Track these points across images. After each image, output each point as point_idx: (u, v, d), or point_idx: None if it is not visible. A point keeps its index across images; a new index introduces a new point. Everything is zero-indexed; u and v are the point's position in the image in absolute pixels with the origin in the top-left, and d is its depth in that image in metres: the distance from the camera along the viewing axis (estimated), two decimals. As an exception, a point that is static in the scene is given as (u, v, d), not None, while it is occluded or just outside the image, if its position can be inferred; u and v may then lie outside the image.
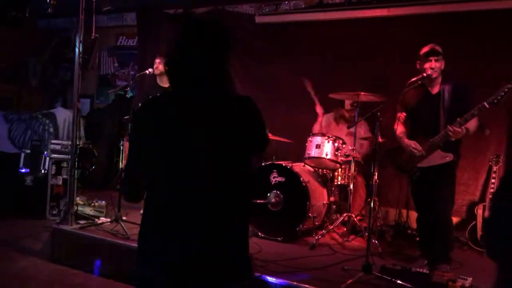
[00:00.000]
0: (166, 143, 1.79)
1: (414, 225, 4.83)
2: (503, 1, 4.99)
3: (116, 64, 8.44)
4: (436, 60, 3.79)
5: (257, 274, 3.52)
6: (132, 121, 1.98)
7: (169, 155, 1.79)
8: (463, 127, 3.59)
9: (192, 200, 1.76)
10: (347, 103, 5.34)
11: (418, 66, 3.91)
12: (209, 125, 1.79)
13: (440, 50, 3.84)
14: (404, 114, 4.01)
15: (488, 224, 1.22)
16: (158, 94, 2.00)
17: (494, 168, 4.84)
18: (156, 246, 1.78)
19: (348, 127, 4.66)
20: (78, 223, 4.76)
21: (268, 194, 4.72)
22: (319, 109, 5.49)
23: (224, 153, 1.81)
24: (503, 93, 3.40)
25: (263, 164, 4.95)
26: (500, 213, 1.18)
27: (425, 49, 3.87)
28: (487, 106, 3.46)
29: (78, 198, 5.08)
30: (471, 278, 3.39)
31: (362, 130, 5.28)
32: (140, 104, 1.89)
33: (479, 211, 4.79)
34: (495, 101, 3.43)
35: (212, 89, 1.85)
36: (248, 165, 1.96)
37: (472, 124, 3.69)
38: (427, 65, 3.80)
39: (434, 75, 3.82)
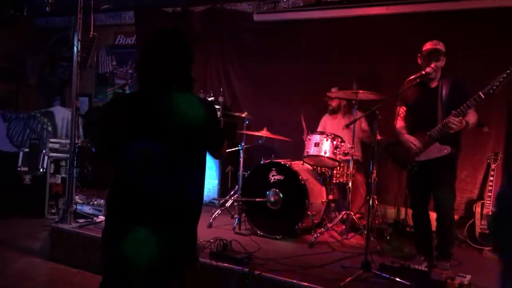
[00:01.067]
0: (135, 136, 2.02)
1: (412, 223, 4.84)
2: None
3: (114, 63, 8.42)
4: (436, 61, 3.80)
5: (256, 272, 3.53)
6: (108, 110, 2.21)
7: (134, 148, 2.01)
8: (461, 118, 3.58)
9: (153, 195, 2.01)
10: (334, 91, 5.32)
11: (419, 61, 3.91)
12: (173, 124, 2.03)
13: (442, 49, 3.82)
14: (404, 108, 4.01)
15: (498, 220, 1.18)
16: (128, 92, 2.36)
17: (493, 166, 4.85)
18: (119, 236, 1.99)
19: (347, 126, 4.66)
20: (77, 222, 4.74)
21: (267, 193, 4.73)
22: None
23: (185, 151, 2.07)
24: (498, 83, 3.40)
25: (262, 162, 4.96)
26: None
27: (427, 46, 3.85)
28: (483, 96, 3.45)
29: (77, 197, 5.07)
30: (469, 276, 3.40)
31: (363, 123, 5.30)
32: (114, 97, 2.21)
33: (477, 208, 4.80)
34: (491, 91, 3.43)
35: (176, 91, 2.09)
36: (204, 163, 2.24)
37: (471, 117, 3.69)
38: (428, 65, 3.80)
39: (433, 75, 3.83)
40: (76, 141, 4.83)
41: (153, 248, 1.95)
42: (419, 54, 3.92)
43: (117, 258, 1.99)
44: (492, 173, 4.83)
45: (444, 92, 3.78)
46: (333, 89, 5.27)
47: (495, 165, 4.84)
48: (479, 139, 5.11)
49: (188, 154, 2.08)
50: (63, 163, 5.62)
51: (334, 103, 5.43)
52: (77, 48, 4.76)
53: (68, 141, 5.12)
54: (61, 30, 8.57)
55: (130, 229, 1.96)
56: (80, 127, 6.66)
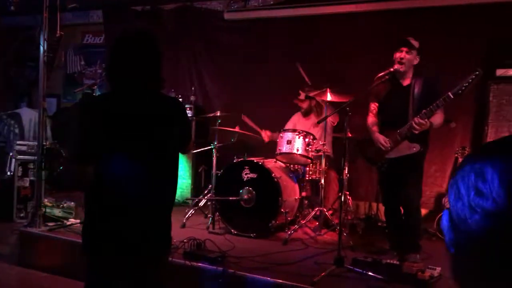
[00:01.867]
0: (109, 137, 2.10)
1: (384, 218, 4.92)
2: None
3: (82, 63, 8.25)
4: (407, 52, 3.83)
5: (231, 270, 3.53)
6: (84, 111, 2.25)
7: (110, 149, 2.10)
8: (426, 120, 3.65)
9: (131, 191, 2.11)
10: (302, 94, 5.37)
11: (393, 57, 3.93)
12: (145, 125, 2.14)
13: (414, 44, 3.86)
14: (376, 104, 4.06)
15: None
16: (99, 94, 2.41)
17: (460, 160, 4.97)
18: (105, 228, 2.13)
19: (318, 122, 4.69)
20: (47, 225, 4.64)
21: (241, 191, 4.72)
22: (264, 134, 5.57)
23: (158, 150, 2.16)
24: (467, 84, 3.48)
25: (235, 160, 4.95)
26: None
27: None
28: (452, 96, 3.53)
29: (46, 200, 4.95)
30: (439, 268, 3.48)
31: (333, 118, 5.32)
32: (87, 100, 2.19)
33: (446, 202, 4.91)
34: (460, 91, 3.51)
35: (147, 92, 2.18)
36: (177, 162, 2.36)
37: (437, 118, 3.76)
38: (397, 55, 3.84)
39: (402, 69, 3.85)
40: (44, 143, 4.72)
41: (133, 237, 2.13)
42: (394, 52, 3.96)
43: (105, 240, 2.13)
44: (460, 167, 4.94)
45: (416, 90, 3.84)
46: (300, 91, 5.32)
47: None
48: (447, 134, 5.23)
49: (161, 153, 2.18)
50: (31, 166, 5.48)
51: (304, 105, 5.45)
52: (44, 48, 4.66)
53: (36, 143, 5.00)
54: (27, 29, 8.35)
55: (112, 222, 2.12)
56: (48, 129, 6.51)
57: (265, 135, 5.54)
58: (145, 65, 2.17)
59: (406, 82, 3.94)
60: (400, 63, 3.84)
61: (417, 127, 3.65)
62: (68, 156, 2.67)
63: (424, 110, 3.64)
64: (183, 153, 2.60)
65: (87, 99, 2.40)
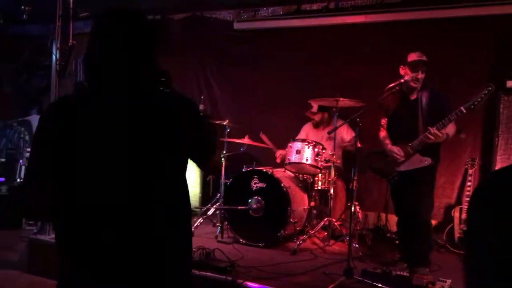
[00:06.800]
0: (77, 152, 1.56)
1: (394, 228, 4.90)
2: (480, 7, 5.12)
3: (93, 71, 8.29)
4: (422, 72, 3.86)
5: (239, 280, 3.52)
6: (39, 127, 1.63)
7: (80, 166, 1.56)
8: (443, 132, 3.67)
9: (109, 221, 1.57)
10: (314, 107, 5.40)
11: (401, 72, 3.96)
12: (128, 130, 1.59)
13: (426, 60, 3.88)
14: (386, 119, 4.08)
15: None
16: (70, 94, 1.79)
17: (470, 171, 4.94)
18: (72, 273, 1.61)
19: (329, 133, 4.70)
20: (56, 233, 4.65)
21: (249, 200, 4.72)
22: (278, 154, 5.56)
23: (148, 163, 1.60)
24: (479, 99, 3.50)
25: (243, 170, 4.96)
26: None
27: (413, 57, 3.91)
28: (464, 111, 3.55)
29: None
30: (450, 280, 3.45)
31: (345, 134, 5.33)
32: (49, 106, 1.67)
33: (455, 213, 4.88)
34: (472, 106, 3.53)
35: (132, 87, 1.63)
36: (180, 176, 1.74)
37: (451, 129, 3.78)
38: (414, 76, 3.84)
39: (416, 86, 3.89)
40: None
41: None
42: (401, 66, 3.98)
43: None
44: (470, 178, 4.91)
45: (423, 103, 3.86)
46: (312, 103, 5.34)
47: (472, 170, 4.93)
48: (457, 145, 5.20)
49: (154, 167, 1.62)
50: (41, 173, 5.50)
51: (317, 118, 5.47)
52: (56, 57, 4.71)
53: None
54: (37, 38, 8.42)
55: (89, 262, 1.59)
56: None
57: (279, 155, 5.54)
58: (132, 50, 1.63)
59: (413, 96, 3.96)
60: (417, 82, 3.87)
61: (431, 137, 3.66)
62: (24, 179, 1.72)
63: (437, 125, 3.65)
64: (200, 165, 1.97)
65: (57, 100, 1.72)
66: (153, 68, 1.68)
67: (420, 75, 3.86)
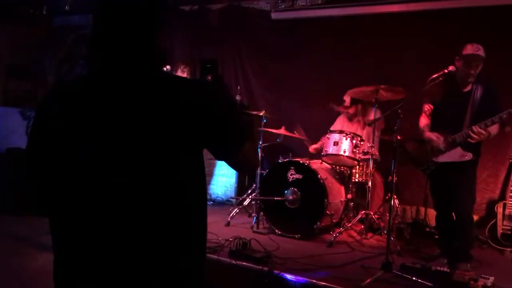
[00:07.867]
0: (80, 143, 1.39)
1: (432, 223, 4.80)
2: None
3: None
4: (477, 67, 3.71)
5: (275, 271, 3.52)
6: (36, 116, 1.46)
7: (83, 159, 1.39)
8: (487, 129, 3.55)
9: (109, 221, 1.40)
10: (347, 101, 5.31)
11: (457, 64, 3.78)
12: (134, 117, 1.40)
13: (483, 55, 3.69)
14: (431, 106, 3.95)
15: None
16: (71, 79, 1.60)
17: (515, 165, 4.77)
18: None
19: (369, 125, 4.62)
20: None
21: (286, 191, 4.71)
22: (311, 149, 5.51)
23: (158, 152, 1.40)
24: None
25: (280, 161, 4.94)
26: None
27: (468, 51, 3.71)
28: None
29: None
30: (493, 277, 3.35)
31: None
32: (47, 92, 1.50)
33: (499, 209, 4.73)
34: None
35: (138, 71, 1.45)
36: (196, 164, 1.51)
37: (494, 129, 3.65)
38: (471, 71, 3.71)
39: (471, 79, 3.75)
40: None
41: None
42: (456, 57, 3.80)
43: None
44: (514, 173, 4.75)
45: (476, 98, 3.73)
46: (345, 97, 5.26)
47: (517, 164, 4.77)
48: (501, 138, 5.00)
49: (166, 166, 1.41)
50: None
51: (351, 111, 5.38)
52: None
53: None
54: (79, 28, 8.62)
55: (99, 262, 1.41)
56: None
57: (312, 150, 5.49)
58: (137, 29, 1.44)
59: (466, 88, 3.81)
60: (470, 77, 3.74)
61: (475, 136, 3.55)
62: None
63: (483, 121, 3.53)
64: (231, 164, 1.65)
65: (56, 84, 1.42)
66: (159, 49, 1.48)
67: (474, 71, 3.70)
